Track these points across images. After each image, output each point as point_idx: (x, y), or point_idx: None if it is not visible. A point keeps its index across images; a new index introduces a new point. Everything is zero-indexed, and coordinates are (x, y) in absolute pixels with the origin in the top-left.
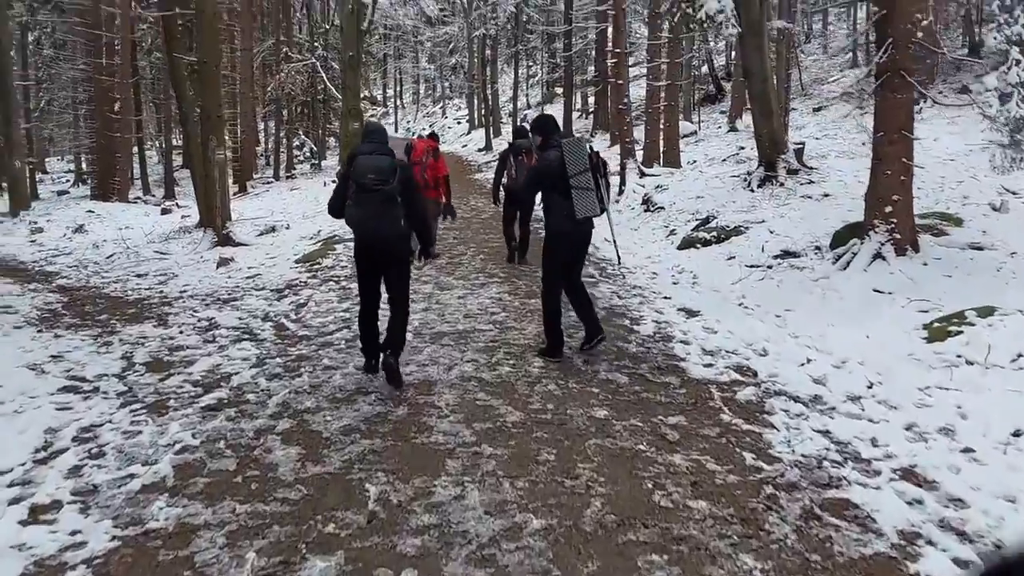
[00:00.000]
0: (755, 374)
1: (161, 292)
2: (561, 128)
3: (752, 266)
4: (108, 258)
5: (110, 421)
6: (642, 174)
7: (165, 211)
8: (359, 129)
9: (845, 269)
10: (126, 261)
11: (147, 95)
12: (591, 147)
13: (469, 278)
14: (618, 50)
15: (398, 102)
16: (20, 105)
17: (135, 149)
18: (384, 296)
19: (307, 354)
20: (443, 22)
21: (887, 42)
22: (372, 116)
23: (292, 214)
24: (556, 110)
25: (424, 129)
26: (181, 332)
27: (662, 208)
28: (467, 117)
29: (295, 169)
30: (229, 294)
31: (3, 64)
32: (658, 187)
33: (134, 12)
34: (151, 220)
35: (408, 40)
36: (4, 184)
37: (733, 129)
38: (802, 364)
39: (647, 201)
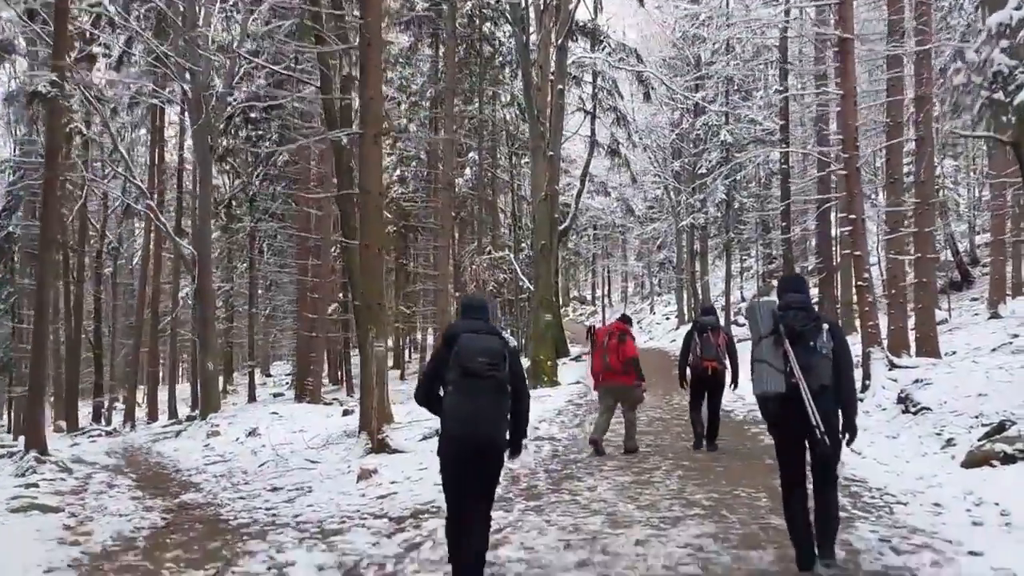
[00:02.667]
0: None
1: (275, 515)
2: (802, 290)
3: None
4: (260, 467)
5: None
6: (892, 365)
7: (347, 412)
8: (551, 322)
9: None
10: (273, 471)
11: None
12: (774, 310)
13: (658, 507)
14: (853, 216)
15: (606, 300)
16: (245, 311)
17: (342, 348)
18: None
19: None
20: (651, 219)
21: None
22: (582, 316)
23: None
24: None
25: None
26: None
27: (928, 409)
28: (675, 312)
29: None
30: (340, 523)
31: (203, 268)
32: (917, 381)
33: (324, 210)
34: (331, 422)
35: (616, 238)
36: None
37: (995, 316)
38: None
39: (906, 399)
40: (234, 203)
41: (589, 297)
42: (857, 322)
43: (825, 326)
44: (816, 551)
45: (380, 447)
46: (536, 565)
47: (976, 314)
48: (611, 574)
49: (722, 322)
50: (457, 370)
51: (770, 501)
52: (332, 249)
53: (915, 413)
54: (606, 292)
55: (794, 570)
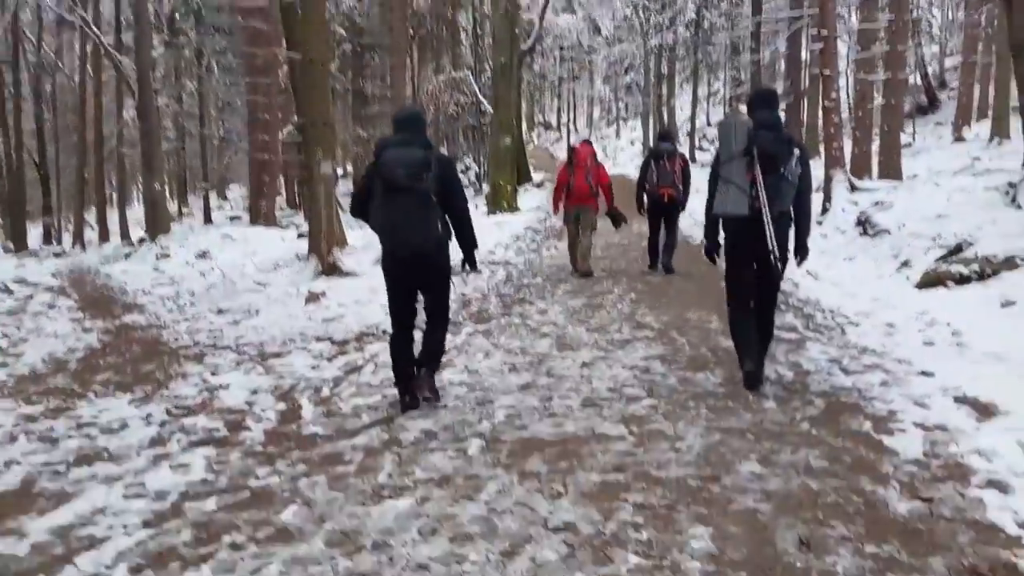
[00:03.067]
0: None
1: (217, 337)
2: (774, 107)
3: None
4: (208, 290)
5: None
6: (853, 188)
7: (302, 235)
8: (510, 146)
9: None
10: (221, 293)
11: None
12: (756, 128)
13: (608, 329)
14: (826, 32)
15: (572, 126)
16: (195, 133)
17: (299, 171)
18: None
19: (271, 490)
20: (619, 40)
21: None
22: (547, 142)
23: None
24: None
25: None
26: (147, 420)
27: (886, 232)
28: (641, 138)
29: None
30: (282, 345)
31: (144, 85)
32: (878, 204)
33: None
34: (285, 245)
35: (582, 60)
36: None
37: (960, 139)
38: None
39: (865, 222)
40: (178, 16)
41: (555, 123)
42: (822, 145)
43: (796, 151)
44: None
45: (330, 270)
46: (478, 387)
47: (940, 138)
48: (553, 396)
49: (686, 148)
50: (379, 184)
51: (721, 324)
52: (283, 67)
53: (873, 236)
54: (572, 118)
55: (740, 391)
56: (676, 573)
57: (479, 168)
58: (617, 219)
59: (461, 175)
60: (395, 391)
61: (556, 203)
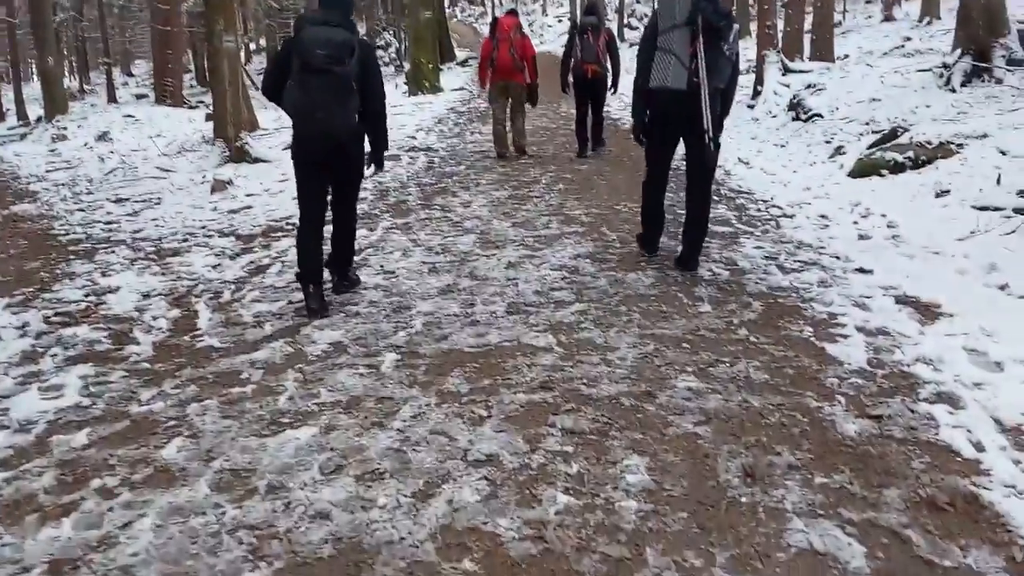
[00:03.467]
0: None
1: (112, 230)
2: None
3: (985, 208)
4: (107, 175)
5: None
6: (786, 70)
7: (210, 116)
8: (431, 20)
9: None
10: (121, 179)
11: None
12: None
13: (535, 224)
14: None
15: (496, 0)
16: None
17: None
18: None
19: (154, 418)
20: None
21: None
22: (470, 16)
23: None
24: None
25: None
26: (23, 330)
27: (819, 116)
28: (568, 15)
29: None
30: (183, 240)
31: None
32: (810, 87)
33: None
34: (192, 127)
35: None
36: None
37: (889, 18)
38: None
39: (797, 106)
40: None
41: None
42: (753, 24)
43: (736, 26)
44: (678, 257)
45: (239, 155)
46: (395, 291)
47: (870, 17)
48: (476, 301)
49: (614, 25)
50: (297, 63)
51: None
52: None
53: (806, 120)
54: None
55: (674, 294)
56: (610, 514)
57: (399, 44)
58: (531, 96)
59: (380, 52)
60: (301, 295)
61: (482, 78)
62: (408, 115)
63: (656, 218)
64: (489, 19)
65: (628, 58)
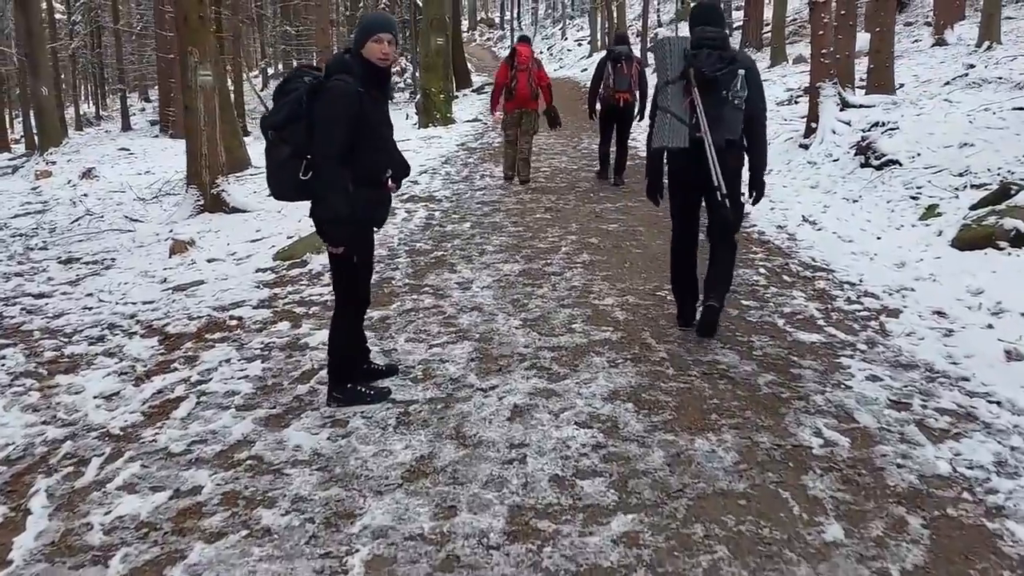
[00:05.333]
0: None
1: (32, 311)
2: (717, 22)
3: None
4: (72, 224)
5: None
6: (844, 104)
7: None
8: (443, 47)
9: None
10: (83, 231)
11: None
12: (686, 49)
13: (552, 323)
14: None
15: (516, 24)
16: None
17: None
18: None
19: None
20: None
21: None
22: (488, 39)
23: None
24: None
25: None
26: None
27: (896, 163)
28: (588, 38)
29: (394, 97)
30: (96, 339)
31: None
32: (878, 126)
33: None
34: (184, 163)
35: None
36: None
37: (941, 43)
38: None
39: (866, 149)
40: None
41: (497, 20)
42: (792, 49)
43: (741, 71)
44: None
45: (215, 205)
46: (333, 475)
47: (917, 40)
48: (458, 504)
49: (636, 50)
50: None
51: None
52: None
53: (879, 167)
54: (516, 15)
55: (768, 489)
56: None
57: (415, 70)
58: (554, 119)
59: (396, 79)
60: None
61: (494, 104)
62: (414, 152)
63: (686, 285)
64: (507, 43)
65: (651, 83)
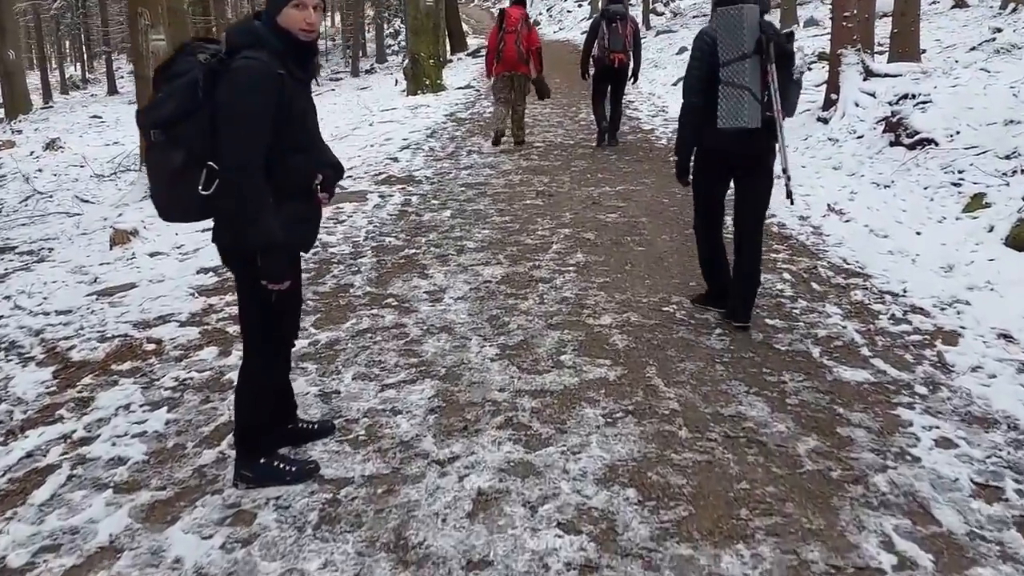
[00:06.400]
0: None
1: None
2: None
3: None
4: (19, 204)
5: None
6: (868, 74)
7: None
8: (433, 8)
9: None
10: (29, 213)
11: None
12: (762, 19)
13: (537, 354)
14: None
15: None
16: None
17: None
18: None
19: None
20: None
21: None
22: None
23: (328, 126)
24: None
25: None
26: None
27: (931, 143)
28: (589, 0)
29: (387, 60)
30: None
31: None
32: (907, 98)
33: None
34: None
35: None
36: None
37: (961, 4)
38: None
39: (896, 126)
40: None
41: None
42: (803, 11)
43: (797, 43)
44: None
45: None
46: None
47: (935, 2)
48: None
49: (640, 11)
50: None
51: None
52: None
53: (911, 147)
54: None
55: None
56: None
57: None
58: (543, 90)
59: (389, 41)
60: None
61: (489, 68)
62: (398, 124)
63: (719, 265)
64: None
65: (655, 48)
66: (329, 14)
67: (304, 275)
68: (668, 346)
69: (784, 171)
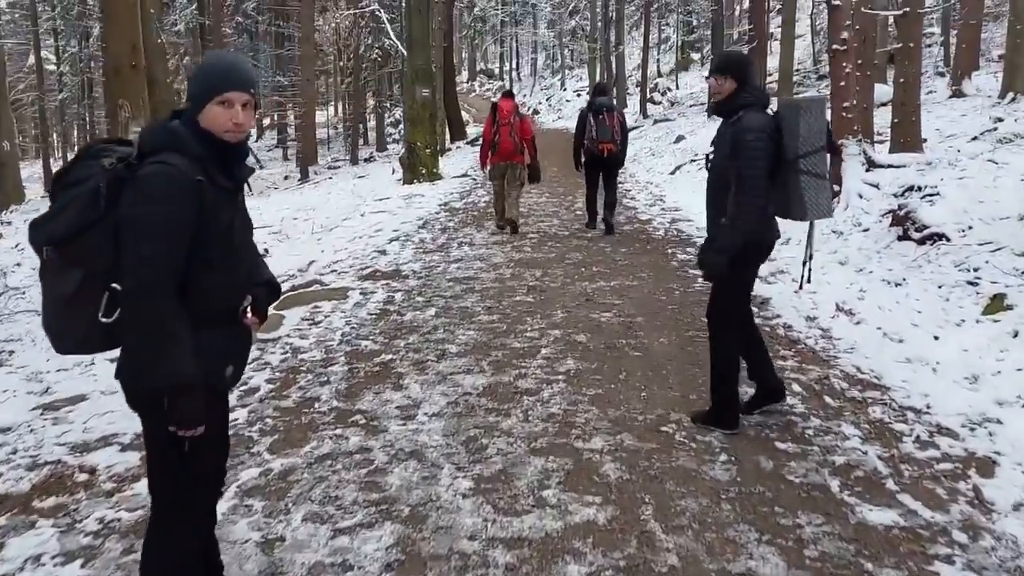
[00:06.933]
0: None
1: None
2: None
3: None
4: None
5: None
6: (870, 164)
7: None
8: (429, 99)
9: None
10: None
11: None
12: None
13: (515, 496)
14: None
15: (515, 75)
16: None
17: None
18: None
19: None
20: None
21: None
22: (488, 90)
23: (319, 217)
24: (694, 78)
25: (528, 104)
26: None
27: (943, 238)
28: (587, 88)
29: (388, 149)
30: None
31: None
32: (913, 190)
33: None
34: None
35: (526, 4)
36: None
37: (959, 94)
38: None
39: (905, 219)
40: None
41: (496, 71)
42: (802, 93)
43: None
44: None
45: None
46: None
47: (931, 92)
48: None
49: (637, 99)
50: None
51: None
52: None
53: (921, 242)
54: (514, 65)
55: None
56: None
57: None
58: (534, 175)
59: (390, 129)
60: None
61: (483, 161)
62: (390, 214)
63: (761, 361)
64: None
65: (652, 136)
66: (332, 103)
67: (269, 386)
68: (667, 477)
69: (805, 261)
